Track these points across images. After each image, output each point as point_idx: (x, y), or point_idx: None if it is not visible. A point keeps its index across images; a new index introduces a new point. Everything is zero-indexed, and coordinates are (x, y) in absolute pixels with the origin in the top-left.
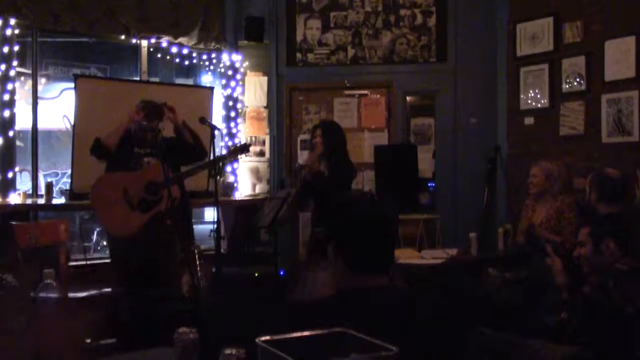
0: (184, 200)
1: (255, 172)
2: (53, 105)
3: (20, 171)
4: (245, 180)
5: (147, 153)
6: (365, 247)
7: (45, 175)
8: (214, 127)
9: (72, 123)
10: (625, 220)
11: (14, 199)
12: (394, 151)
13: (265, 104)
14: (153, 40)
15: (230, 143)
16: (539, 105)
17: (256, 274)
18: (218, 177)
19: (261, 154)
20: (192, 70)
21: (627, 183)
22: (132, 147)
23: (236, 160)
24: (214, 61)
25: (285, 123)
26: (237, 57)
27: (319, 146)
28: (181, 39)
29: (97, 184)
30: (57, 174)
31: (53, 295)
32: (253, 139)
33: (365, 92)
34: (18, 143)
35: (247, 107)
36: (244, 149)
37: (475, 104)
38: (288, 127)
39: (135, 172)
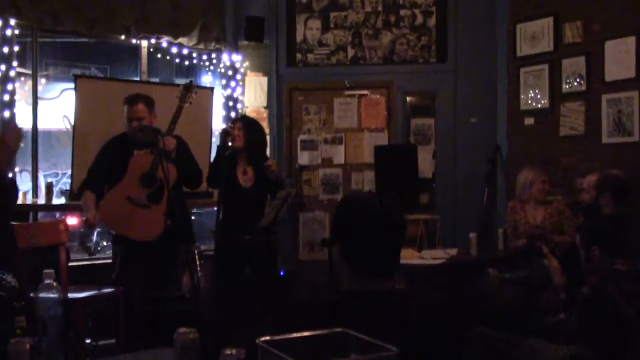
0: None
1: None
2: (53, 106)
3: (20, 171)
4: None
5: (147, 153)
6: (372, 250)
7: (45, 176)
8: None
9: (72, 123)
10: (621, 222)
11: None
12: (394, 151)
13: (265, 104)
14: (153, 41)
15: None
16: (539, 105)
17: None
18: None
19: None
20: (192, 71)
21: (631, 183)
22: (132, 150)
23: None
24: (214, 61)
25: (285, 123)
26: (237, 57)
27: (239, 139)
28: (181, 39)
29: (102, 213)
30: (57, 174)
31: (53, 295)
32: None
33: (365, 92)
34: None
35: (247, 107)
36: (188, 88)
37: (475, 104)
38: (288, 127)
39: (124, 178)
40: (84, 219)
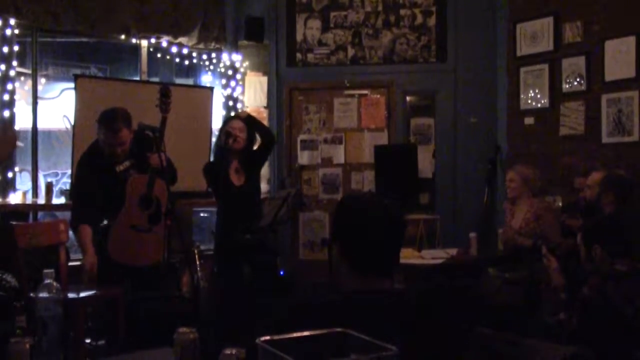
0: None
1: None
2: (53, 105)
3: (20, 171)
4: None
5: (127, 167)
6: (372, 249)
7: (45, 175)
8: None
9: (72, 123)
10: (622, 221)
11: (14, 199)
12: (394, 151)
13: (265, 104)
14: (153, 40)
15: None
16: (539, 105)
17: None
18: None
19: None
20: (192, 70)
21: (634, 183)
22: (112, 167)
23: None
24: (214, 61)
25: (285, 123)
26: (237, 57)
27: (241, 142)
28: (181, 39)
29: (113, 246)
30: (57, 174)
31: (53, 295)
32: None
33: (365, 92)
34: (18, 143)
35: (247, 107)
36: (165, 94)
37: (475, 104)
38: (288, 127)
39: (125, 206)
40: (83, 264)
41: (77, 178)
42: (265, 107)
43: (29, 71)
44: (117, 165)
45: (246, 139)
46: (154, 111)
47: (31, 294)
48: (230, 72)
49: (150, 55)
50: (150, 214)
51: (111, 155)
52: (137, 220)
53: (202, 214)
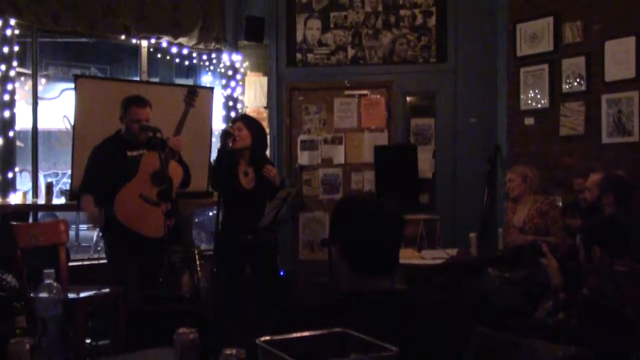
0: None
1: None
2: (53, 106)
3: (20, 171)
4: None
5: (140, 154)
6: (371, 249)
7: (45, 176)
8: None
9: (72, 123)
10: (621, 223)
11: (14, 199)
12: (394, 151)
13: (265, 104)
14: (153, 40)
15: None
16: (539, 105)
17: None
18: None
19: None
20: (192, 71)
21: (634, 183)
22: (125, 152)
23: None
24: (214, 61)
25: (285, 123)
26: (237, 57)
27: (244, 139)
28: (181, 39)
29: (118, 209)
30: (57, 174)
31: (53, 295)
32: None
33: (365, 92)
34: (18, 143)
35: (247, 107)
36: (194, 92)
37: (475, 104)
38: (288, 127)
39: (137, 176)
40: (91, 217)
41: (90, 160)
42: (265, 107)
43: (29, 71)
44: (131, 151)
45: (250, 137)
46: (154, 111)
47: (31, 294)
48: (230, 73)
49: (150, 55)
50: (160, 190)
51: (132, 133)
52: (146, 191)
53: (202, 214)
